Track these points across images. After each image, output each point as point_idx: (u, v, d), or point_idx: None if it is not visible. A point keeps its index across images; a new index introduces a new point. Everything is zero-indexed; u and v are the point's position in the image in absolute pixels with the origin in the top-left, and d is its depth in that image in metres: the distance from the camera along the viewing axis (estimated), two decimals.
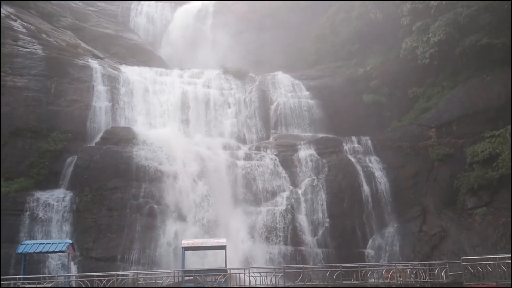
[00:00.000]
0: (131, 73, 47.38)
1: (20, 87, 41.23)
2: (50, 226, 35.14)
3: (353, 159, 40.64)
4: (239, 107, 47.16)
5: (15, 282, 23.17)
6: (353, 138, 42.61)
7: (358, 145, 42.15)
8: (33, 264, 30.58)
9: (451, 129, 40.13)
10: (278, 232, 36.65)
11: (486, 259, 23.41)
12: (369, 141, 42.26)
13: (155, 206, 36.88)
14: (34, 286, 23.32)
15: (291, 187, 39.49)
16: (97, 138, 41.39)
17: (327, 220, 37.42)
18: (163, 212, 36.78)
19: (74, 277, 25.71)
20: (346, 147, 41.99)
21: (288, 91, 48.92)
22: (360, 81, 48.37)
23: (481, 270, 23.30)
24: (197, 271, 24.84)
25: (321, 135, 44.54)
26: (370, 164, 40.37)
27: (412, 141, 40.88)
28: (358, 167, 39.84)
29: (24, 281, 23.77)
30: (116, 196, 36.95)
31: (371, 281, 25.09)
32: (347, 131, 43.60)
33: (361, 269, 24.90)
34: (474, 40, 39.86)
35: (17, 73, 41.73)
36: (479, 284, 22.86)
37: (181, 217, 36.85)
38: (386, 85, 47.40)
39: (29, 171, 38.21)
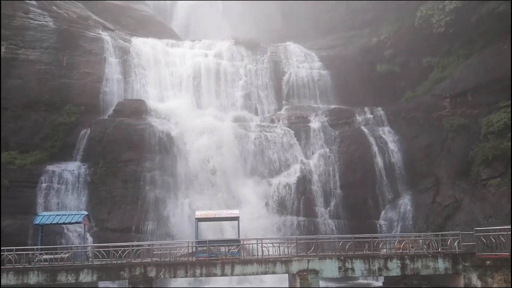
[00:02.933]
0: (142, 45, 47.14)
1: (32, 60, 41.32)
2: (66, 198, 35.74)
3: (366, 130, 40.35)
4: (251, 78, 46.82)
5: (33, 252, 23.70)
6: (366, 109, 42.19)
7: (371, 116, 41.77)
8: (50, 235, 31.18)
9: (466, 99, 39.42)
10: (290, 203, 36.84)
11: (500, 230, 23.30)
12: (382, 112, 41.86)
13: (169, 178, 37.22)
14: (52, 256, 23.84)
15: (303, 158, 39.44)
16: (110, 111, 41.55)
17: (340, 191, 37.47)
18: (177, 184, 37.12)
19: (90, 247, 26.18)
20: (359, 118, 41.65)
21: (300, 61, 48.36)
22: (373, 51, 47.57)
23: (494, 241, 23.22)
24: (210, 241, 25.12)
25: (333, 106, 44.25)
26: (383, 135, 40.06)
27: (426, 112, 40.31)
28: (371, 138, 39.57)
29: (42, 252, 24.30)
30: (130, 168, 37.31)
31: (384, 251, 25.21)
32: (360, 102, 43.16)
33: (373, 239, 24.94)
34: (491, 8, 38.73)
35: (29, 46, 41.73)
36: (491, 254, 22.83)
37: (194, 189, 37.15)
38: (400, 54, 46.56)
39: (43, 144, 38.64)
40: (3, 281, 22.03)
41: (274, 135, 40.63)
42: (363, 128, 40.67)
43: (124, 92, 43.77)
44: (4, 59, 40.10)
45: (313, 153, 39.71)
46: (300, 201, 36.96)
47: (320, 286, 23.51)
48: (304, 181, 37.77)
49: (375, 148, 39.05)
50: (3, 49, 40.39)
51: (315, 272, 22.96)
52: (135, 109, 41.04)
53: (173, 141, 39.10)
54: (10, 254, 22.80)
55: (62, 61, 42.49)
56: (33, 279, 22.19)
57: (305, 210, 36.69)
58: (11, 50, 40.92)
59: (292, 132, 40.97)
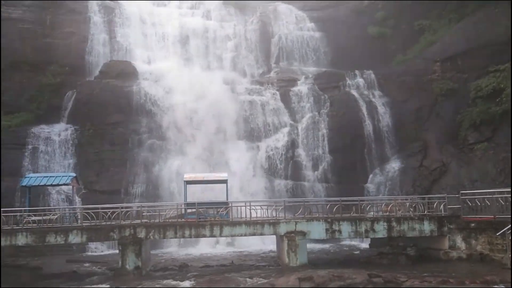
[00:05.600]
0: (127, 3, 45.85)
1: (15, 18, 40.16)
2: (53, 160, 35.46)
3: (355, 94, 40.14)
4: (239, 39, 46.05)
5: (21, 214, 23.60)
6: (356, 72, 41.83)
7: (361, 79, 41.45)
8: (36, 197, 31.04)
9: (456, 63, 39.29)
10: (278, 167, 36.93)
11: (485, 193, 23.66)
12: (373, 75, 41.52)
13: (156, 141, 37.00)
14: (40, 217, 23.75)
15: (291, 122, 39.30)
16: (96, 72, 40.81)
17: (328, 155, 37.56)
18: (164, 146, 36.93)
19: (79, 209, 26.13)
20: (349, 81, 41.35)
21: (291, 22, 47.54)
22: (365, 12, 46.93)
23: (479, 204, 23.62)
24: (199, 203, 25.16)
25: (323, 69, 43.80)
26: (373, 99, 39.91)
27: (416, 76, 40.10)
28: (361, 102, 39.42)
29: (30, 213, 24.20)
30: (118, 131, 36.99)
31: (371, 214, 25.53)
32: (350, 65, 42.66)
33: (360, 202, 25.22)
34: None
35: (11, 4, 40.44)
36: (476, 217, 23.25)
37: (182, 152, 37.03)
38: (392, 16, 46.02)
39: (29, 105, 38.03)
40: None
41: (263, 98, 40.29)
42: (353, 91, 40.44)
43: (110, 53, 42.91)
44: None
45: (302, 117, 39.52)
46: (288, 164, 37.04)
47: (307, 247, 23.83)
48: (292, 145, 37.77)
49: (364, 112, 38.94)
50: None
51: (303, 233, 23.22)
52: (122, 70, 40.32)
53: (161, 103, 38.63)
54: None
55: (45, 20, 41.33)
56: (21, 240, 22.17)
57: (293, 174, 36.82)
58: None
59: (280, 95, 40.62)
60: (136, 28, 44.76)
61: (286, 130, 38.66)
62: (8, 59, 38.79)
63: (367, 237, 25.38)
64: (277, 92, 40.80)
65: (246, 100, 39.86)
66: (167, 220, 24.18)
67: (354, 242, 31.67)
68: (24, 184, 26.22)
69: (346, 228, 23.77)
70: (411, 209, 25.55)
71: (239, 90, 40.85)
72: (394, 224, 23.88)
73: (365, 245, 30.46)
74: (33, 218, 23.83)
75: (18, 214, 23.74)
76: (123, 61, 41.69)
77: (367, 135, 38.05)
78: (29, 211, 24.66)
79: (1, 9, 39.70)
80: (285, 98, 40.50)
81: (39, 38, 40.50)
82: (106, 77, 39.65)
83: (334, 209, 24.78)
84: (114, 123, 37.26)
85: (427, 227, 23.91)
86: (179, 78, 40.35)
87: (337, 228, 23.72)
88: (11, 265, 25.09)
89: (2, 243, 22.24)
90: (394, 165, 37.02)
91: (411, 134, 38.19)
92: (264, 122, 39.05)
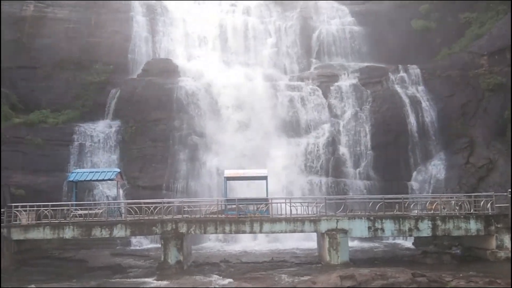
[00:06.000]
0: (169, 3, 46.53)
1: (61, 18, 41.47)
2: (98, 156, 36.41)
3: (399, 89, 39.20)
4: (280, 35, 45.82)
5: (68, 208, 24.36)
6: (400, 67, 40.83)
7: (404, 74, 40.42)
8: (82, 192, 31.97)
9: (504, 56, 37.66)
10: (319, 164, 36.56)
11: None
12: (417, 70, 40.37)
13: (197, 138, 37.36)
14: (86, 211, 24.45)
15: (333, 118, 38.82)
16: (139, 70, 41.62)
17: (370, 152, 36.90)
18: (205, 143, 37.23)
19: (123, 203, 26.73)
20: (392, 76, 40.41)
21: (331, 17, 46.90)
22: (408, 6, 45.62)
23: None
24: (239, 200, 25.25)
25: (365, 64, 42.96)
26: (417, 94, 38.84)
27: (462, 70, 38.72)
28: (404, 98, 38.46)
29: (77, 207, 24.96)
30: (159, 128, 37.60)
31: (415, 212, 24.89)
32: (393, 59, 41.68)
33: (404, 200, 24.62)
34: None
35: (57, 4, 41.76)
36: None
37: (223, 148, 37.23)
38: (436, 9, 44.58)
39: (75, 103, 39.18)
40: (40, 235, 22.78)
41: (303, 94, 39.97)
42: (396, 87, 39.52)
43: (152, 51, 43.68)
44: (32, 18, 40.36)
45: (343, 113, 38.97)
46: (329, 161, 36.60)
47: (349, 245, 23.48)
48: (333, 142, 37.29)
49: (408, 108, 37.98)
50: (31, 8, 40.53)
51: (344, 231, 22.90)
52: (163, 68, 40.99)
53: (201, 100, 38.98)
54: (46, 210, 23.46)
55: (90, 20, 42.49)
56: (68, 233, 22.88)
57: (334, 171, 36.36)
58: (39, 8, 41.09)
59: (321, 91, 40.18)
60: (177, 26, 45.35)
61: (327, 126, 38.22)
62: (55, 58, 40.17)
63: (410, 235, 24.81)
64: (318, 88, 40.36)
65: (286, 97, 39.64)
66: (208, 216, 24.37)
67: (397, 241, 31.02)
68: (71, 179, 27.07)
69: (389, 226, 23.30)
70: (457, 208, 24.75)
71: (279, 86, 40.66)
72: (439, 222, 23.22)
73: (408, 244, 29.75)
74: (80, 212, 24.58)
75: (65, 208, 24.50)
76: (165, 59, 42.36)
77: (410, 132, 37.10)
78: (76, 205, 25.41)
79: (48, 10, 41.06)
80: (326, 94, 40.04)
81: (84, 37, 41.67)
82: (148, 75, 40.39)
83: (377, 207, 24.30)
84: (155, 120, 37.89)
85: (474, 226, 23.11)
86: (219, 75, 40.60)
87: (379, 226, 23.28)
88: (58, 257, 26.07)
89: (50, 236, 23.00)
90: (438, 162, 35.95)
91: (457, 130, 36.95)
92: (305, 118, 38.74)
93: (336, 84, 40.51)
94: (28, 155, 35.26)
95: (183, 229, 22.94)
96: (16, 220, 23.17)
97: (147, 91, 38.74)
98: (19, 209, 23.42)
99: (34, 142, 35.38)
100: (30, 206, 23.64)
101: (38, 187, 33.31)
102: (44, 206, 23.60)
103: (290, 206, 23.84)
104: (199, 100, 38.94)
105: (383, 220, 23.30)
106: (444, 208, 24.48)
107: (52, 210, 23.51)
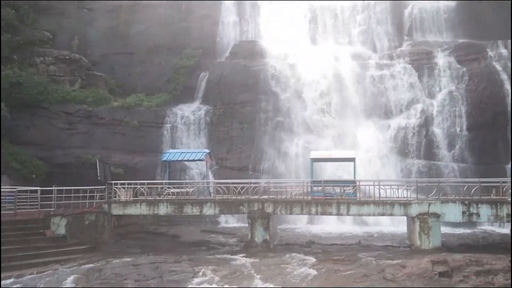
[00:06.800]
0: None
1: (154, 4, 43.26)
2: (188, 138, 37.88)
3: (498, 67, 36.39)
4: (369, 13, 44.17)
5: (162, 186, 25.66)
6: (499, 42, 37.80)
7: (504, 50, 37.37)
8: (174, 171, 33.50)
9: None
10: (410, 146, 35.16)
11: None
12: None
13: (283, 119, 37.46)
14: (178, 190, 25.64)
15: (426, 98, 37.00)
16: (226, 53, 42.40)
17: (466, 133, 34.77)
18: (291, 124, 37.26)
19: (212, 183, 27.65)
20: (490, 53, 37.57)
21: None
22: None
23: None
24: (326, 181, 25.02)
25: (461, 40, 40.27)
26: None
27: None
28: (504, 76, 35.64)
29: (170, 186, 26.23)
30: (246, 110, 38.19)
31: None
32: (491, 35, 38.58)
33: (502, 184, 22.96)
34: None
35: None
36: None
37: (309, 130, 37.03)
38: None
39: (167, 87, 40.89)
40: (137, 211, 24.27)
41: (394, 73, 38.40)
42: (495, 64, 36.71)
43: (240, 34, 44.23)
44: (127, 6, 42.73)
45: (437, 92, 36.97)
46: (421, 143, 35.06)
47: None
48: (426, 122, 35.60)
49: (508, 86, 35.19)
50: None
51: (436, 215, 21.90)
52: (250, 50, 41.42)
53: (288, 81, 38.94)
54: (142, 188, 24.90)
55: (181, 5, 43.96)
56: (163, 209, 24.11)
57: (426, 153, 34.80)
58: None
59: (413, 69, 38.35)
60: (265, 8, 45.43)
61: (419, 106, 36.53)
62: (148, 44, 42.15)
63: (508, 221, 23.07)
64: (410, 66, 38.55)
65: (376, 76, 38.38)
66: (294, 197, 24.45)
67: (493, 227, 29.10)
68: (164, 159, 28.48)
69: (485, 211, 21.90)
70: None
71: (369, 65, 39.44)
72: None
73: (505, 230, 27.73)
74: (172, 190, 25.78)
75: (159, 186, 25.82)
76: (252, 41, 42.77)
77: (510, 112, 34.36)
78: (169, 184, 26.71)
79: None
80: (419, 73, 38.15)
81: (175, 22, 43.22)
82: (236, 58, 41.05)
83: (472, 191, 22.91)
84: (242, 102, 38.50)
85: None
86: (306, 56, 40.17)
87: (475, 211, 21.96)
88: (153, 232, 27.72)
89: (146, 212, 24.40)
90: None
91: None
92: (396, 98, 37.30)
93: (429, 62, 38.44)
94: (126, 136, 37.62)
95: (269, 209, 23.25)
96: (115, 197, 24.81)
97: (234, 74, 39.43)
98: (118, 186, 25.02)
99: (131, 124, 37.62)
100: (128, 184, 25.15)
101: (135, 166, 35.42)
102: (140, 184, 25.02)
103: (379, 189, 23.19)
104: (285, 81, 38.93)
105: (479, 205, 21.94)
106: None
107: (148, 188, 24.85)
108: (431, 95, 37.10)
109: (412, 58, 39.12)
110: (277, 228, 26.08)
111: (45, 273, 16.80)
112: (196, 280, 15.43)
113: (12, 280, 16.24)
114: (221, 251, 21.82)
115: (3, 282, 15.89)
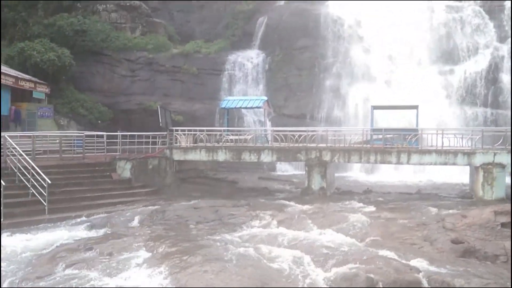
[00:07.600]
0: None
1: None
2: (246, 85, 37.89)
3: None
4: None
5: (221, 133, 26.10)
6: None
7: None
8: (232, 119, 33.89)
9: None
10: (477, 93, 33.45)
11: None
12: None
13: (343, 66, 36.50)
14: (236, 137, 26.00)
15: (496, 42, 34.63)
16: None
17: None
18: (351, 71, 36.27)
19: (269, 130, 27.76)
20: None
21: None
22: None
23: None
24: (386, 129, 24.43)
25: None
26: None
27: None
28: None
29: (228, 133, 26.64)
30: (305, 56, 37.45)
31: None
32: None
33: None
34: None
35: None
36: None
37: (370, 77, 35.94)
38: None
39: (225, 33, 40.68)
40: (197, 157, 24.95)
41: (463, 16, 36.03)
42: None
43: None
44: None
45: (509, 36, 34.45)
46: (488, 91, 33.24)
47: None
48: (495, 68, 33.56)
49: None
50: None
51: (502, 166, 20.98)
52: None
53: (349, 27, 37.58)
54: (201, 134, 25.45)
55: None
56: (221, 156, 24.62)
57: (493, 101, 33.07)
58: None
59: (484, 10, 35.74)
60: None
61: (488, 51, 34.37)
62: None
63: None
64: (481, 9, 35.97)
65: (443, 19, 36.19)
66: (352, 145, 24.16)
67: None
68: (223, 106, 28.75)
69: None
70: None
71: (436, 8, 37.15)
72: None
73: None
74: (231, 137, 26.17)
75: (218, 133, 26.29)
76: None
77: None
78: (227, 131, 27.11)
79: None
80: (490, 14, 35.58)
81: None
82: (296, 0, 39.85)
83: None
84: (301, 48, 37.73)
85: None
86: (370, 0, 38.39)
87: None
88: (213, 177, 28.55)
89: (205, 158, 25.00)
90: None
91: None
92: (464, 43, 35.20)
93: (503, 3, 35.65)
94: (185, 83, 38.20)
95: (327, 157, 23.15)
96: (176, 143, 25.56)
97: (294, 18, 38.48)
98: (179, 132, 25.71)
99: (190, 71, 38.04)
100: (188, 131, 25.78)
101: (194, 113, 36.12)
102: (200, 130, 25.57)
103: (442, 138, 22.42)
104: (346, 26, 37.61)
105: None
106: None
107: (207, 134, 25.38)
108: (502, 39, 34.67)
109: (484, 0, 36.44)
110: (334, 176, 26.04)
111: (112, 213, 17.85)
112: (254, 223, 15.88)
113: (83, 218, 17.41)
114: (278, 197, 22.16)
115: (74, 220, 17.06)
